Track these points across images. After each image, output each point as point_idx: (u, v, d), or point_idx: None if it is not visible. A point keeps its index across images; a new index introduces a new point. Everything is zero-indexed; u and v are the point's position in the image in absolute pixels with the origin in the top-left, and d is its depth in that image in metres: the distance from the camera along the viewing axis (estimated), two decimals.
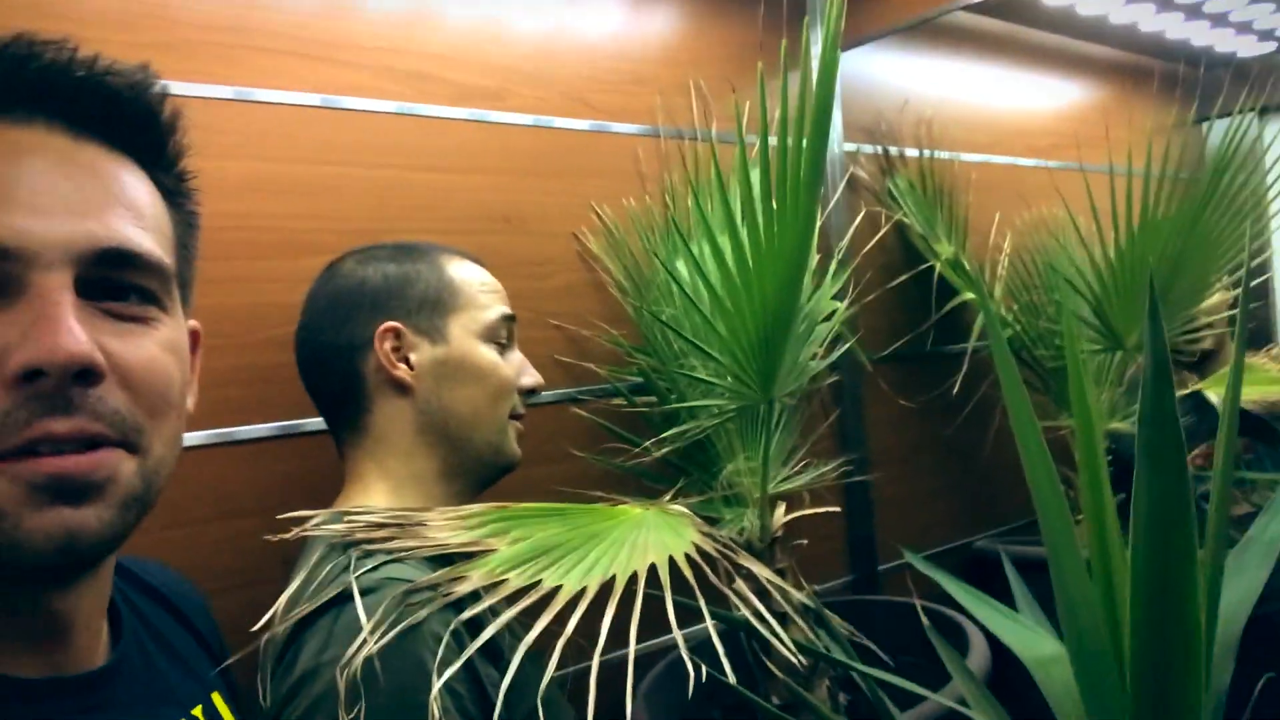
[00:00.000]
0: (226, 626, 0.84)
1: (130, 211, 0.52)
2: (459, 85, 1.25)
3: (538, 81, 1.33)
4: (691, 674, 0.70)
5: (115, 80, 0.53)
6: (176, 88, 1.04)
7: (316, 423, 1.11)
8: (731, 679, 0.72)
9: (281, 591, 0.85)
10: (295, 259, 1.10)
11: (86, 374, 0.47)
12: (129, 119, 0.54)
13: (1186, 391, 1.72)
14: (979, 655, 1.20)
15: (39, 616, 0.52)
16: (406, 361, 0.95)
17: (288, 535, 0.80)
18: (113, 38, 1.00)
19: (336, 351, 0.95)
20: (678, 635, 0.70)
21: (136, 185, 0.54)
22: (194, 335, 0.62)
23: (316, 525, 0.80)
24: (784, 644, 0.74)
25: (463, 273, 1.00)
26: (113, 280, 0.51)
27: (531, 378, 1.03)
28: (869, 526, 1.69)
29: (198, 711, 0.61)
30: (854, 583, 1.69)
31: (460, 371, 0.96)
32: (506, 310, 1.01)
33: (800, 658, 0.78)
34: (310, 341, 0.98)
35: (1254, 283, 1.98)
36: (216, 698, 0.65)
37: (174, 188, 0.58)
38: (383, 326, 0.94)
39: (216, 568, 1.03)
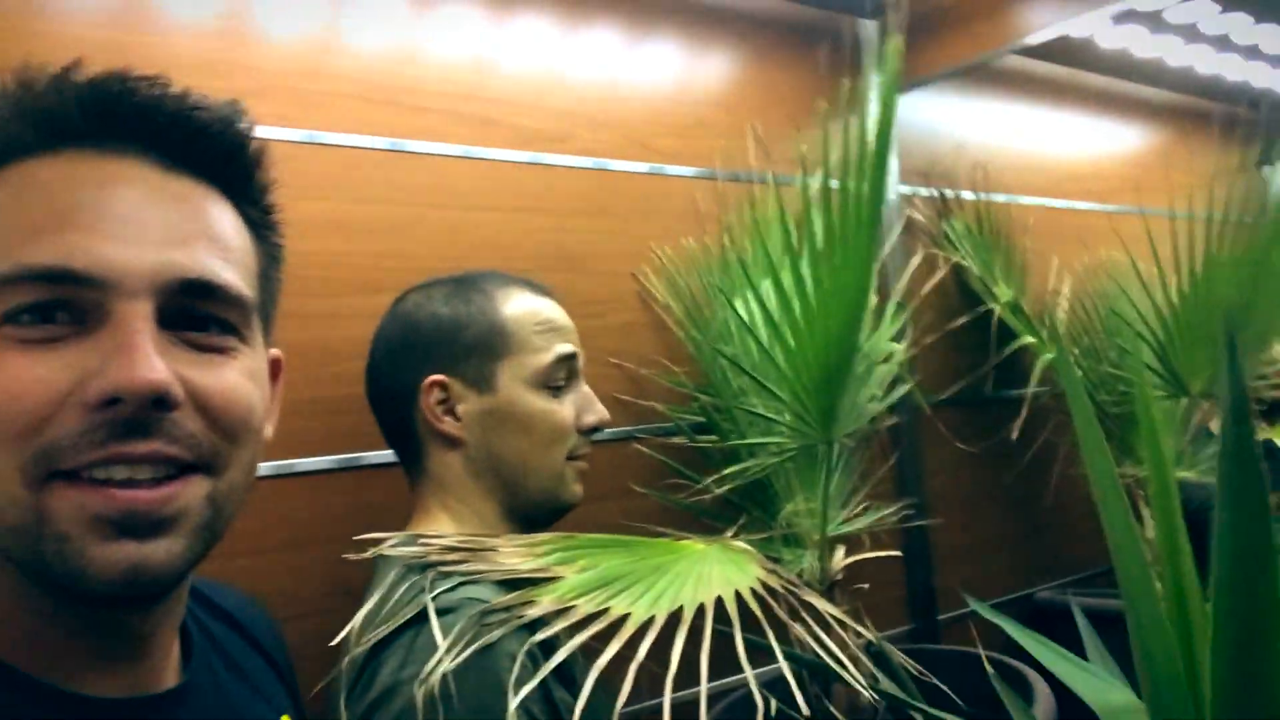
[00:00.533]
0: (292, 654, 0.86)
1: (215, 244, 0.53)
2: (522, 129, 1.29)
3: (599, 125, 1.36)
4: (760, 711, 0.69)
5: (205, 115, 0.54)
6: (258, 131, 1.08)
7: (382, 455, 1.13)
8: (805, 708, 0.70)
9: (346, 621, 0.87)
10: (364, 296, 1.13)
11: (163, 402, 0.47)
12: (217, 152, 0.55)
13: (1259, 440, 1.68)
14: (1044, 707, 1.17)
15: (114, 637, 0.52)
16: (454, 413, 0.94)
17: (364, 555, 0.81)
18: (194, 82, 1.04)
19: (392, 396, 0.97)
20: (748, 670, 0.70)
21: (222, 217, 0.55)
22: (275, 364, 0.62)
23: (391, 547, 0.81)
24: (855, 681, 0.73)
25: (520, 312, 0.97)
26: (194, 311, 0.51)
27: (595, 415, 1.00)
28: (929, 574, 1.66)
29: None
30: (913, 632, 1.66)
31: (510, 421, 0.94)
32: (565, 350, 0.97)
33: (870, 694, 0.76)
34: (373, 382, 1.00)
35: None
36: (286, 719, 0.65)
37: (259, 220, 0.59)
38: (428, 380, 0.94)
39: (284, 597, 1.05)
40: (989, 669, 1.01)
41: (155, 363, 0.47)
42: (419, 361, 0.95)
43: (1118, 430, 1.65)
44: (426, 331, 0.96)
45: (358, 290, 1.13)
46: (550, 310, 0.99)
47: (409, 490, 0.99)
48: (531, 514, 0.98)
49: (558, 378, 0.96)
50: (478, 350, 0.94)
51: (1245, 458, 0.59)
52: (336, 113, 1.14)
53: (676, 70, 1.46)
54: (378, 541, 0.83)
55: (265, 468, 1.07)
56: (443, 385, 0.94)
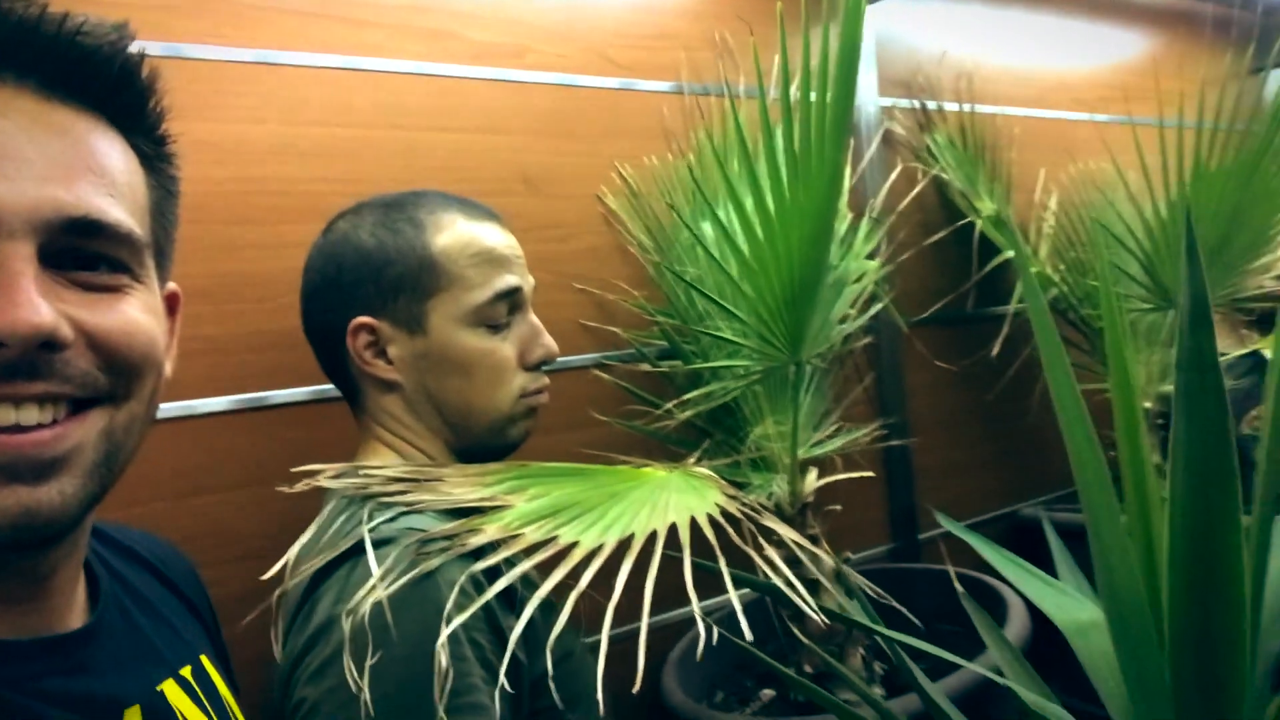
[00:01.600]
0: (240, 592, 0.84)
1: (101, 179, 0.50)
2: (477, 44, 1.23)
3: (558, 38, 1.30)
4: (714, 638, 0.67)
5: (89, 39, 0.50)
6: (191, 50, 1.03)
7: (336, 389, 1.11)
8: (750, 636, 0.69)
9: (257, 567, 0.84)
10: (315, 223, 1.07)
11: (50, 345, 0.46)
12: (103, 80, 0.51)
13: (1246, 350, 1.66)
14: (1018, 624, 1.16)
15: (10, 580, 0.51)
16: (385, 355, 0.89)
17: (301, 487, 0.79)
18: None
19: (322, 335, 0.92)
20: (693, 598, 0.68)
21: (109, 150, 0.52)
22: (173, 299, 0.60)
23: (332, 479, 0.79)
24: (811, 609, 0.72)
25: (452, 243, 0.89)
26: (81, 250, 0.49)
27: (542, 349, 0.94)
28: (909, 494, 1.65)
29: (186, 672, 0.60)
30: (894, 551, 1.65)
31: (445, 363, 0.89)
32: (505, 285, 0.90)
33: (828, 622, 0.75)
34: (304, 318, 0.95)
35: None
36: (204, 659, 0.64)
37: (152, 152, 0.56)
38: (353, 323, 0.88)
39: (189, 545, 1.02)
40: (958, 587, 1.00)
41: (38, 305, 0.45)
42: (345, 302, 0.89)
43: (1101, 344, 1.62)
44: (350, 268, 0.89)
45: (305, 218, 1.09)
46: (490, 238, 0.91)
47: (356, 427, 0.97)
48: (480, 452, 0.93)
49: (497, 315, 0.90)
50: (405, 288, 0.88)
51: (1203, 359, 0.56)
52: (277, 29, 1.09)
53: None
54: (314, 473, 0.80)
55: (224, 403, 1.05)
56: (370, 328, 0.88)
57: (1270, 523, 0.70)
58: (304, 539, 0.75)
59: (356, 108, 1.13)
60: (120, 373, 0.50)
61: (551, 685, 0.66)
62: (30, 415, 0.46)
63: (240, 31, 1.06)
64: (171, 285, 0.60)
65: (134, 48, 0.52)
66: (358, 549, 0.72)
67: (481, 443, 0.93)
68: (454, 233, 0.90)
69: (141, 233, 0.53)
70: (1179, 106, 1.43)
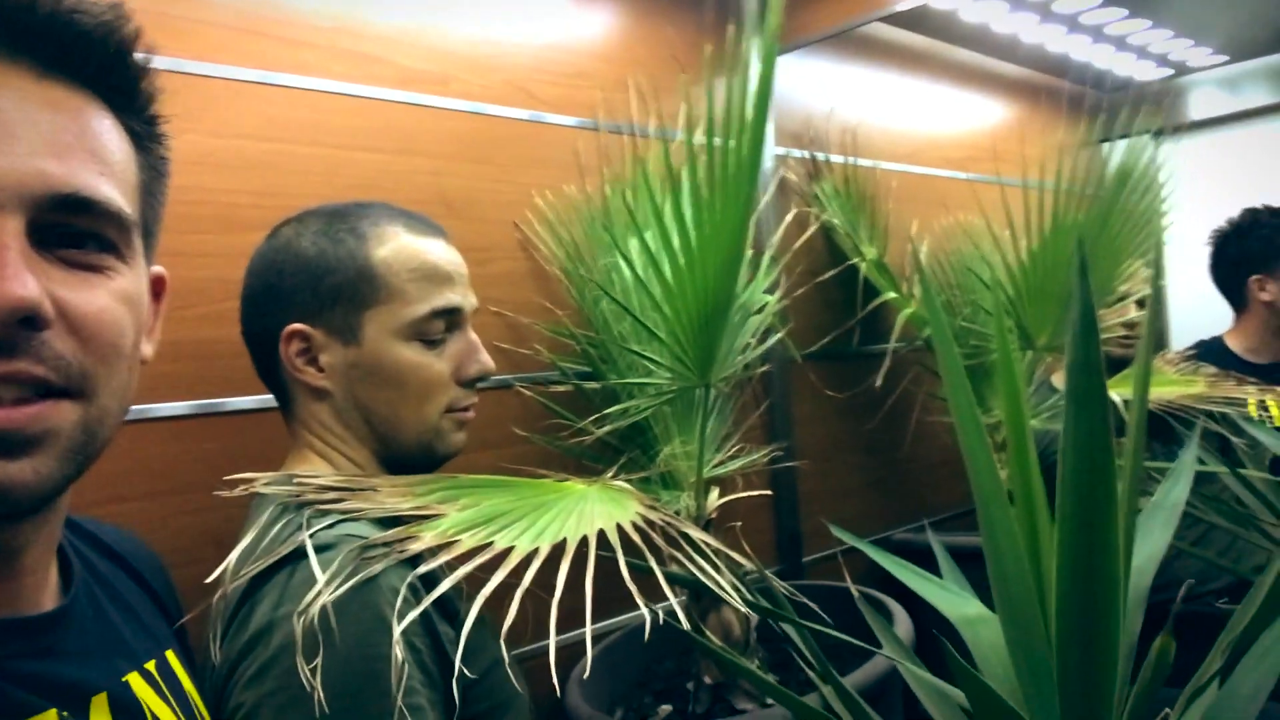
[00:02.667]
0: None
1: (93, 156, 0.50)
2: (402, 69, 1.26)
3: (480, 69, 1.34)
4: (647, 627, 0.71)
5: (85, 18, 0.50)
6: None
7: (246, 401, 1.10)
8: (651, 652, 0.73)
9: (213, 570, 0.84)
10: (233, 234, 1.09)
11: (32, 320, 0.45)
12: (98, 58, 0.52)
13: None
14: (903, 629, 1.25)
15: None
16: (317, 363, 0.90)
17: (234, 493, 0.79)
18: None
19: (258, 340, 0.93)
20: (635, 592, 0.72)
21: (102, 127, 0.52)
22: (158, 282, 0.60)
23: (265, 485, 0.79)
24: (732, 599, 0.77)
25: (393, 256, 0.90)
26: (69, 227, 0.49)
27: (478, 366, 0.95)
28: (795, 518, 1.74)
29: (151, 666, 0.60)
30: (781, 572, 1.73)
31: (377, 374, 0.89)
32: (443, 303, 0.91)
33: (740, 623, 0.80)
34: (242, 322, 0.95)
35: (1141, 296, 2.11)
36: (171, 654, 0.64)
37: (143, 132, 0.56)
38: (287, 330, 0.88)
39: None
40: (854, 592, 1.08)
41: (26, 279, 0.45)
42: (281, 307, 0.89)
43: (970, 380, 1.76)
44: (289, 275, 0.89)
45: (225, 228, 1.09)
46: (433, 254, 0.92)
47: (287, 433, 0.97)
48: (407, 464, 0.94)
49: (432, 330, 0.91)
50: (343, 298, 0.88)
51: (1090, 362, 0.64)
52: (204, 41, 1.09)
53: (559, 18, 1.45)
54: (250, 480, 0.80)
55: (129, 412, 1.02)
56: (303, 335, 0.89)
57: (1133, 525, 0.80)
58: (243, 544, 0.75)
59: (280, 123, 1.14)
60: (94, 357, 0.50)
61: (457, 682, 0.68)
62: (8, 391, 0.46)
63: (171, 41, 1.06)
64: (158, 268, 0.60)
65: (128, 28, 0.53)
66: (295, 554, 0.73)
67: (408, 455, 0.93)
68: (395, 246, 0.90)
69: (131, 211, 0.53)
70: (1039, 168, 1.59)
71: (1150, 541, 0.88)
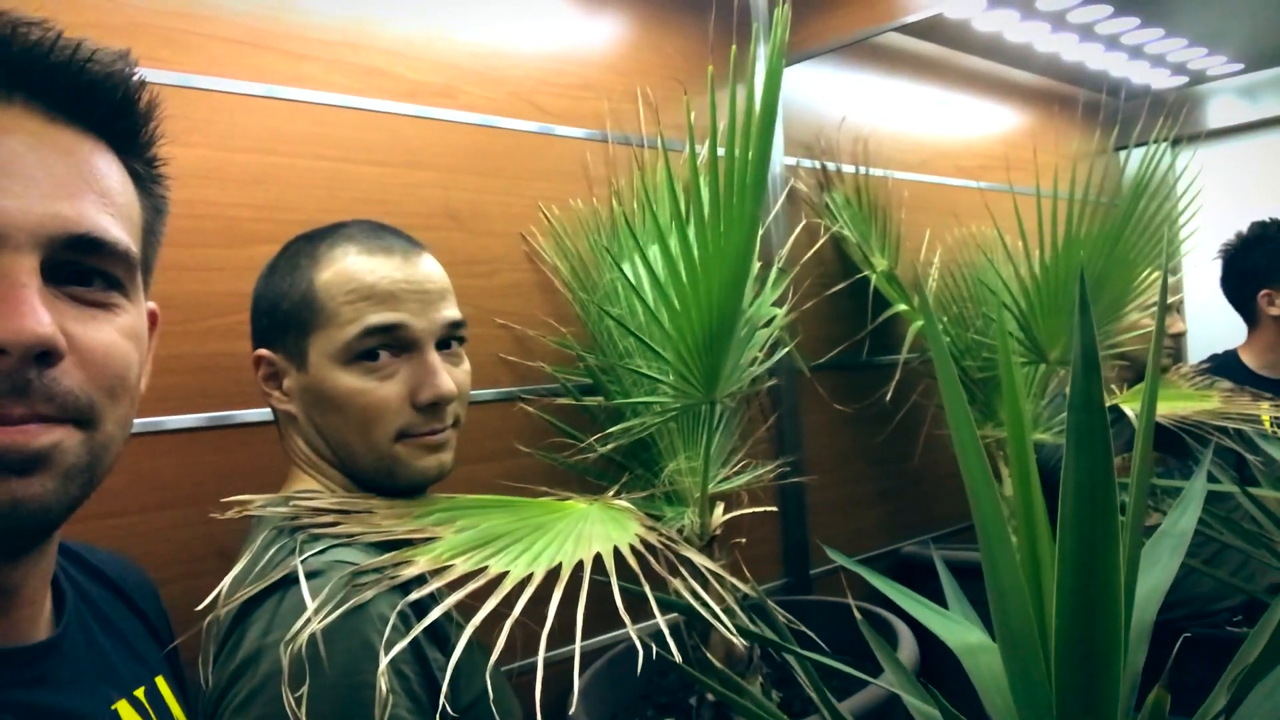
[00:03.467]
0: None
1: (102, 198, 0.53)
2: (408, 81, 1.26)
3: (487, 82, 1.34)
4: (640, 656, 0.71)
5: (96, 66, 0.53)
6: None
7: (252, 414, 1.10)
8: (653, 668, 0.73)
9: (218, 582, 0.85)
10: (239, 248, 1.09)
11: (47, 356, 0.48)
12: (106, 104, 0.54)
13: (1111, 403, 1.81)
14: (907, 650, 1.23)
15: None
16: (282, 386, 0.91)
17: (229, 515, 0.79)
18: (60, 17, 0.98)
19: (253, 363, 0.95)
20: (628, 621, 0.71)
21: (109, 170, 0.55)
22: (152, 316, 0.62)
23: (262, 507, 0.79)
24: (727, 630, 0.76)
25: (331, 278, 0.87)
26: (79, 265, 0.51)
27: (431, 390, 0.87)
28: (803, 530, 1.73)
29: (140, 693, 0.61)
30: (788, 586, 1.72)
31: (323, 400, 0.87)
32: (375, 322, 0.86)
33: (743, 642, 0.80)
34: None
35: (1171, 304, 2.08)
36: (160, 681, 0.65)
37: (145, 174, 0.59)
38: (254, 354, 0.92)
39: (153, 558, 1.01)
40: (857, 615, 1.07)
41: (41, 316, 0.47)
42: (254, 333, 0.93)
43: (982, 394, 1.75)
44: (259, 300, 0.93)
45: (230, 242, 1.09)
46: (375, 273, 0.87)
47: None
48: (381, 490, 0.90)
49: (368, 349, 0.86)
50: (292, 324, 0.88)
51: (1091, 401, 0.63)
52: (210, 56, 1.09)
53: (566, 30, 1.45)
54: (247, 501, 0.80)
55: (136, 424, 1.03)
56: (269, 360, 0.91)
57: (1138, 553, 0.78)
58: (237, 568, 0.75)
59: (285, 137, 1.14)
60: (100, 391, 0.52)
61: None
62: (23, 412, 0.48)
63: (174, 55, 1.06)
64: (152, 304, 0.62)
65: (135, 77, 0.56)
66: (286, 581, 0.73)
67: (373, 482, 0.90)
68: (336, 268, 0.88)
69: (136, 250, 0.55)
70: (1053, 178, 1.57)
71: (1155, 572, 0.87)
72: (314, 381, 0.87)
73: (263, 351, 0.91)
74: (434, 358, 0.89)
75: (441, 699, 0.65)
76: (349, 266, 0.88)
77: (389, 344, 0.87)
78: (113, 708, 0.57)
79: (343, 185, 1.18)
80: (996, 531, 0.77)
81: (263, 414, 1.10)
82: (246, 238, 1.10)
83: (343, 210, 1.17)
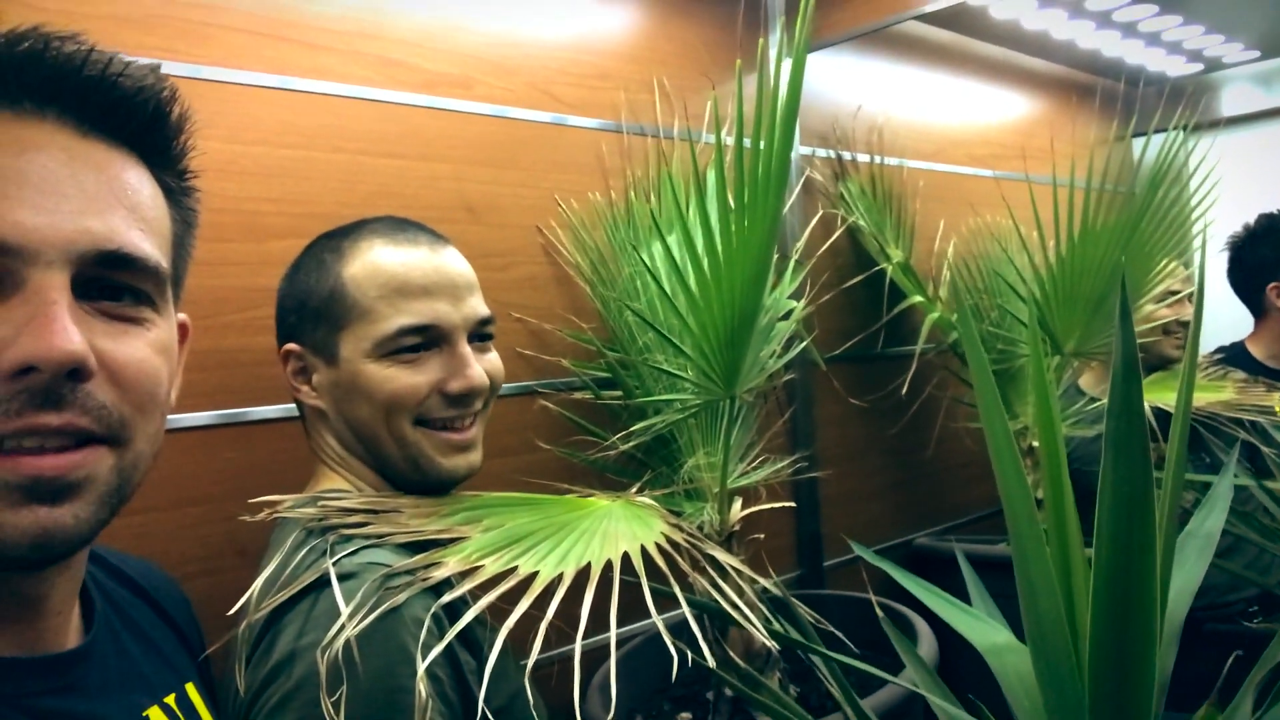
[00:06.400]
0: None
1: (133, 213, 0.53)
2: (424, 72, 1.24)
3: (503, 72, 1.32)
4: (673, 654, 0.70)
5: (127, 81, 0.53)
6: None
7: (272, 410, 1.09)
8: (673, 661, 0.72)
9: (238, 579, 0.84)
10: (257, 242, 1.08)
11: (78, 372, 0.48)
12: (137, 119, 0.54)
13: None
14: (927, 646, 1.23)
15: (9, 598, 0.52)
16: (311, 382, 0.90)
17: (259, 517, 0.79)
18: (74, 9, 0.97)
19: (280, 358, 0.94)
20: (657, 619, 0.71)
21: (140, 184, 0.55)
22: (183, 329, 0.62)
23: (290, 508, 0.79)
24: (756, 628, 0.76)
25: (362, 274, 0.87)
26: (109, 281, 0.51)
27: (461, 380, 0.88)
28: (816, 523, 1.72)
29: (170, 700, 0.61)
30: (801, 578, 1.72)
31: (354, 393, 0.87)
32: (409, 323, 0.86)
33: (767, 639, 0.79)
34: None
35: (1182, 295, 2.07)
36: (190, 688, 0.65)
37: (176, 187, 0.59)
38: (283, 349, 0.91)
39: (171, 555, 1.01)
40: (879, 612, 1.06)
41: (72, 333, 0.47)
42: (281, 329, 0.93)
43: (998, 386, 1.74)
44: (286, 297, 0.93)
45: (247, 236, 1.08)
46: (407, 269, 0.88)
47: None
48: (412, 488, 0.91)
49: (405, 346, 0.87)
50: (322, 319, 0.88)
51: (1131, 407, 0.63)
52: (226, 47, 1.08)
53: (582, 18, 1.43)
54: (275, 502, 0.80)
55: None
56: (298, 355, 0.90)
57: (1170, 553, 0.78)
58: (268, 571, 0.74)
59: (302, 129, 1.13)
60: (131, 406, 0.52)
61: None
62: (52, 441, 0.48)
63: (191, 47, 1.05)
64: (182, 316, 0.61)
65: (166, 91, 0.55)
66: (319, 583, 0.73)
67: (403, 477, 0.90)
68: (365, 262, 0.88)
69: (166, 265, 0.55)
70: (1070, 167, 1.56)
71: (1185, 571, 0.86)
72: (346, 376, 0.87)
73: (291, 346, 0.90)
74: (466, 349, 0.89)
75: (480, 703, 0.64)
76: (377, 259, 0.88)
77: (424, 342, 0.88)
78: (144, 715, 0.58)
79: (360, 178, 1.17)
80: (1029, 531, 0.76)
81: (282, 410, 1.09)
82: (264, 232, 1.09)
83: (360, 204, 1.16)
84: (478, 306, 0.92)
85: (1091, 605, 0.68)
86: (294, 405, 0.96)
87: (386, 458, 0.89)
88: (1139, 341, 1.80)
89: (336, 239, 0.92)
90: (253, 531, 0.91)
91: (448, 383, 0.88)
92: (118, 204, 0.52)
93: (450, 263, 0.91)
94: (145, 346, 0.53)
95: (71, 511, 0.48)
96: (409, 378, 0.87)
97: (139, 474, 0.54)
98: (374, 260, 0.88)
